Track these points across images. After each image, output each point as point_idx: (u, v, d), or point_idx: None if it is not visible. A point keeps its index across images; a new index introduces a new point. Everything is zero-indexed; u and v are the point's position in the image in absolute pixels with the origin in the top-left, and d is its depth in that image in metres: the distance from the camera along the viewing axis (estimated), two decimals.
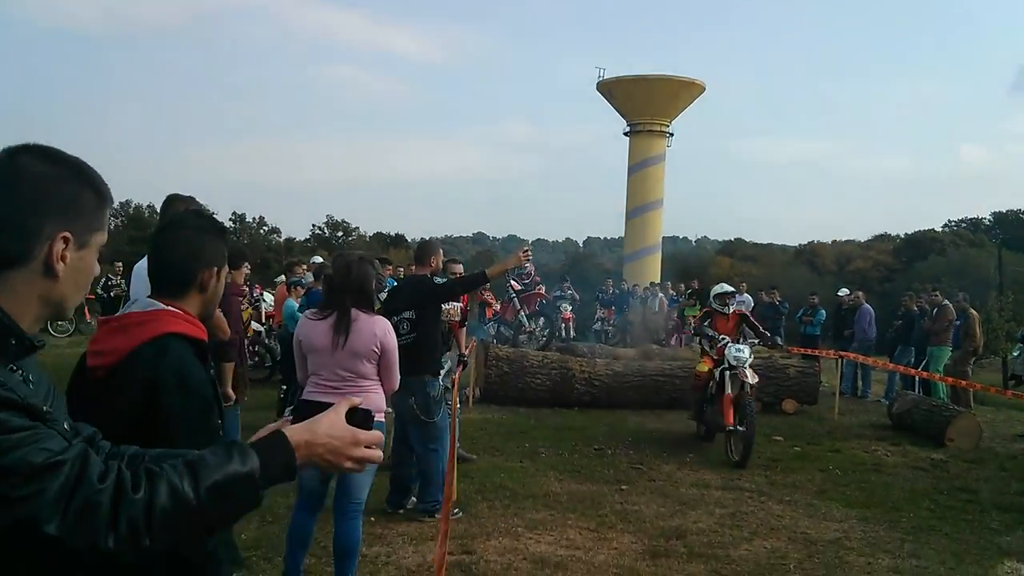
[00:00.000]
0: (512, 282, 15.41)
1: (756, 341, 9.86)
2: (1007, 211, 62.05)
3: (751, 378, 9.10)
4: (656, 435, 10.30)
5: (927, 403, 11.51)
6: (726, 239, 79.67)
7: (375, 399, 4.63)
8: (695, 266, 47.96)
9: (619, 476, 8.09)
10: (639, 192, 41.05)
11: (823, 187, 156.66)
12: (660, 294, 20.87)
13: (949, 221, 63.08)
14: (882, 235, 63.12)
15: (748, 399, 8.98)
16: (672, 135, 41.30)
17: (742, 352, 9.23)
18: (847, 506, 7.35)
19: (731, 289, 10.33)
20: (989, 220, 62.56)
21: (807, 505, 7.33)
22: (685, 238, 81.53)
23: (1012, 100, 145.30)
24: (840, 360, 14.09)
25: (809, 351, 14.81)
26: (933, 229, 57.22)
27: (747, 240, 77.03)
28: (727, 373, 9.22)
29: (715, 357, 9.56)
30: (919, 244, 52.50)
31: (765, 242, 74.59)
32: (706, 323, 10.01)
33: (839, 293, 16.92)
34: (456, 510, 6.20)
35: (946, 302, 13.72)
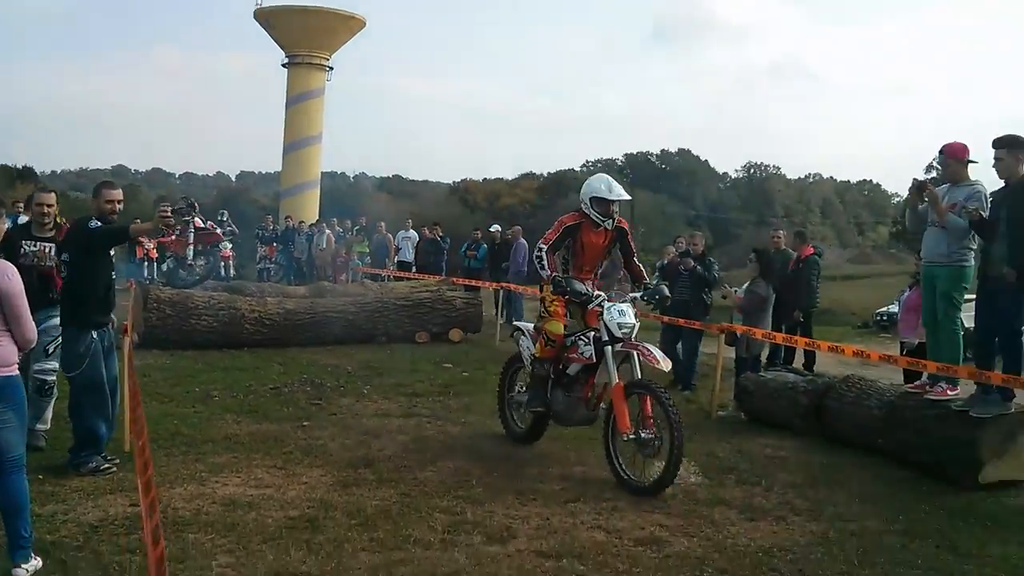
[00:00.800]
0: (196, 219, 14.95)
1: (637, 295, 6.68)
2: (637, 153, 69.66)
3: (663, 363, 6.02)
4: (332, 371, 10.34)
5: None
6: (384, 176, 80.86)
7: (3, 352, 4.20)
8: (354, 202, 48.12)
9: (299, 413, 8.04)
10: (297, 126, 40.24)
11: (475, 126, 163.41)
12: (327, 231, 20.71)
13: (587, 161, 69.50)
14: (528, 174, 67.70)
15: (659, 391, 5.86)
16: (332, 69, 40.79)
17: (626, 315, 6.19)
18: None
19: (622, 193, 6.67)
20: (621, 161, 69.79)
21: (481, 425, 7.81)
22: (343, 174, 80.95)
23: (646, 50, 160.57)
24: (499, 291, 15.02)
25: (473, 283, 15.67)
26: (573, 169, 62.59)
27: (404, 177, 78.89)
28: (608, 349, 6.16)
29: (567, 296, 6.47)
30: (561, 182, 57.09)
31: (421, 179, 76.88)
32: (563, 250, 6.66)
33: (491, 229, 18.04)
34: (113, 458, 5.99)
35: None
